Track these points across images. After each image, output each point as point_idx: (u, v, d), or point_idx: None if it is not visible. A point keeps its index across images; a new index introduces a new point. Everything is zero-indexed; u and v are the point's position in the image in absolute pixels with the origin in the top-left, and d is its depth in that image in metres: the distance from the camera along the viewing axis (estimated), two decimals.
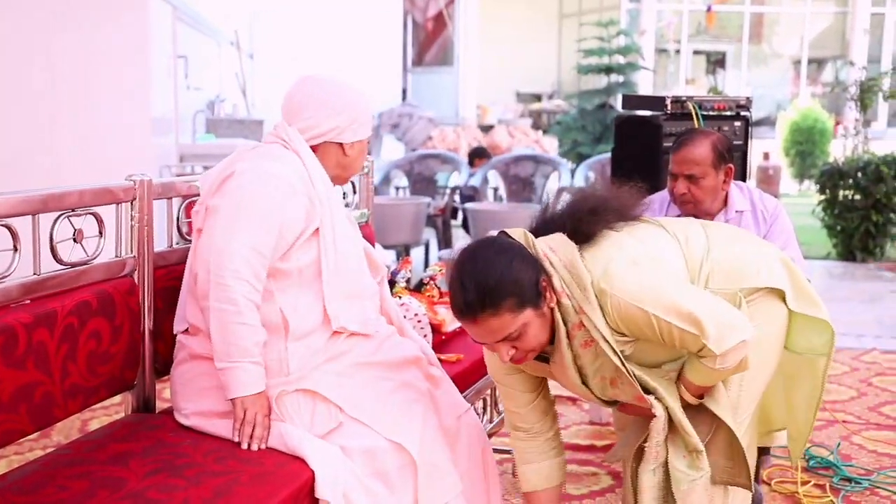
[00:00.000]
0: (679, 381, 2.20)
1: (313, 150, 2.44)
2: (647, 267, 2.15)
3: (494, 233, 2.21)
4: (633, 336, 2.13)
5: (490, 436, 2.93)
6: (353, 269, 2.44)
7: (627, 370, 2.12)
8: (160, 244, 2.55)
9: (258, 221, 2.26)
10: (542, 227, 2.22)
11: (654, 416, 2.19)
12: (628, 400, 2.23)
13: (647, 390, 2.17)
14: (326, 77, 2.50)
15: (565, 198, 2.29)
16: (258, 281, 2.25)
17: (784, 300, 2.29)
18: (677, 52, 18.69)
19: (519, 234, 2.17)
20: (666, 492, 2.23)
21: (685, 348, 2.11)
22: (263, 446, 2.25)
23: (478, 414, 3.01)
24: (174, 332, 2.45)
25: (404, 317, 2.93)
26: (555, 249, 2.14)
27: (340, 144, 2.46)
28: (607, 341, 2.09)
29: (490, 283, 2.03)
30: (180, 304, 2.45)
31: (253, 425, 2.24)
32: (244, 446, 2.23)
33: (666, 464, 2.22)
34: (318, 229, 2.36)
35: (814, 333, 2.37)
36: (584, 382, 2.21)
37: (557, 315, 2.12)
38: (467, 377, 2.94)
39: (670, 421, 2.19)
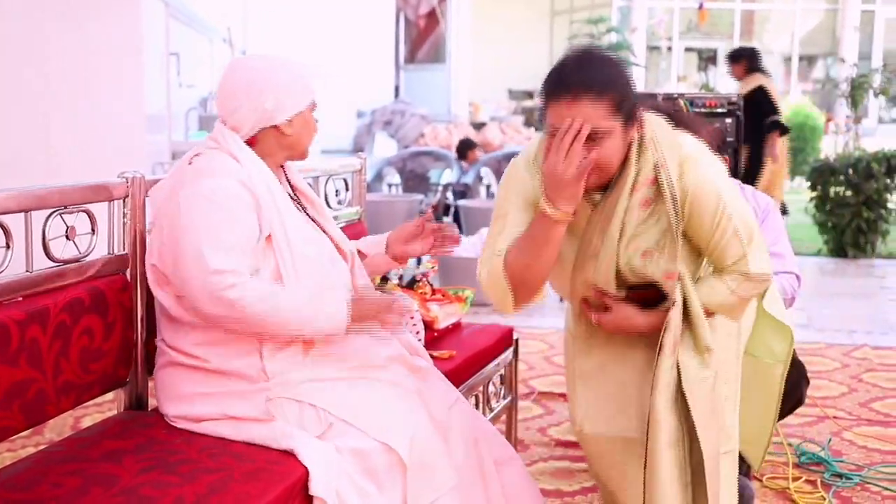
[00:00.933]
0: None
1: (254, 143, 2.34)
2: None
3: None
4: (685, 219, 2.13)
5: None
6: (317, 269, 2.34)
7: (677, 235, 2.11)
8: None
9: (215, 245, 2.16)
10: None
11: (637, 333, 2.22)
12: (652, 276, 2.18)
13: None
14: (249, 60, 2.36)
15: None
16: (244, 275, 2.17)
17: (761, 297, 2.34)
18: (669, 49, 18.72)
19: None
20: (678, 394, 2.19)
21: (720, 256, 2.13)
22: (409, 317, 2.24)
23: None
24: (156, 343, 2.41)
25: None
26: (647, 113, 2.17)
27: (275, 127, 2.33)
28: (675, 199, 2.10)
29: (605, 73, 2.06)
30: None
31: (383, 321, 2.28)
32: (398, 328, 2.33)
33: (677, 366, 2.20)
34: (269, 237, 2.27)
35: (776, 339, 2.42)
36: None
37: (633, 154, 2.12)
38: (460, 374, 2.94)
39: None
